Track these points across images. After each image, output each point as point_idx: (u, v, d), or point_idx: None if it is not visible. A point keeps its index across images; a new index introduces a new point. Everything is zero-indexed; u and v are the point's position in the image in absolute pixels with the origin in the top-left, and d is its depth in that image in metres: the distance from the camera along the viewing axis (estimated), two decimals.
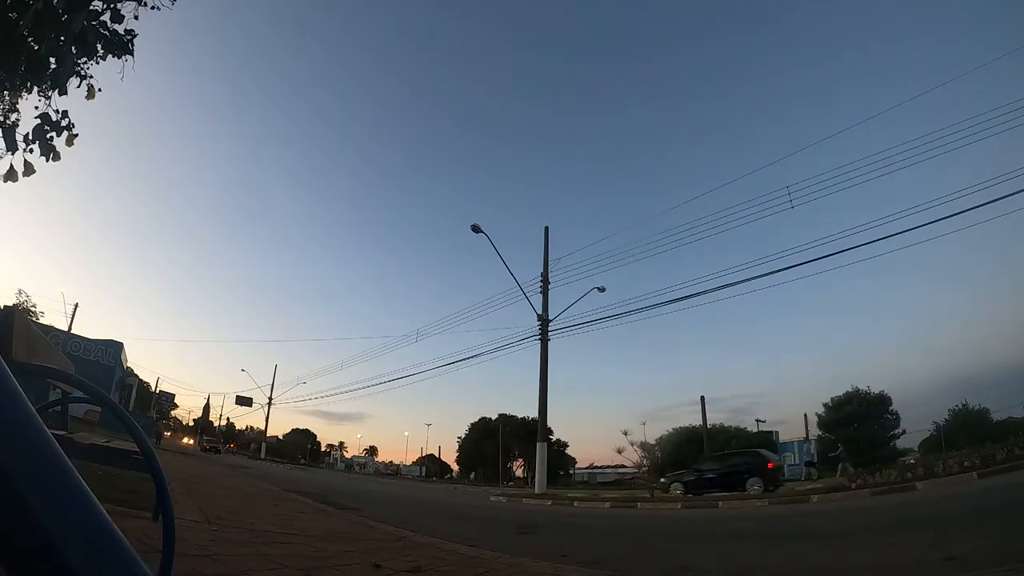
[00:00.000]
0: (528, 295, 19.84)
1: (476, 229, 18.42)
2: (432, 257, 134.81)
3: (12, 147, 3.72)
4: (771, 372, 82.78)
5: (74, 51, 3.63)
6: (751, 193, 48.86)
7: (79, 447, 2.23)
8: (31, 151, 3.76)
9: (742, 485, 14.71)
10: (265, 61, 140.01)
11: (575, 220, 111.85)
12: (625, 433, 17.17)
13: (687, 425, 42.13)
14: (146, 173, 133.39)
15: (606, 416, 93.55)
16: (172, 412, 63.26)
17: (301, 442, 75.78)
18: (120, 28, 3.84)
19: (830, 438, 34.14)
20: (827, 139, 43.19)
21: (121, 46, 3.83)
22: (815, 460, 28.56)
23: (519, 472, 56.36)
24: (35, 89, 3.75)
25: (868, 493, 10.11)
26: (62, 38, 3.50)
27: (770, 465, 15.10)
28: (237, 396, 49.64)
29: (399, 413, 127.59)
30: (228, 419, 68.50)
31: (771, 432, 44.71)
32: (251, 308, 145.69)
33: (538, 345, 19.19)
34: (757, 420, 45.26)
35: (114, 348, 30.91)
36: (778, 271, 14.83)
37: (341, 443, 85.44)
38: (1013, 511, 5.85)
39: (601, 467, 55.75)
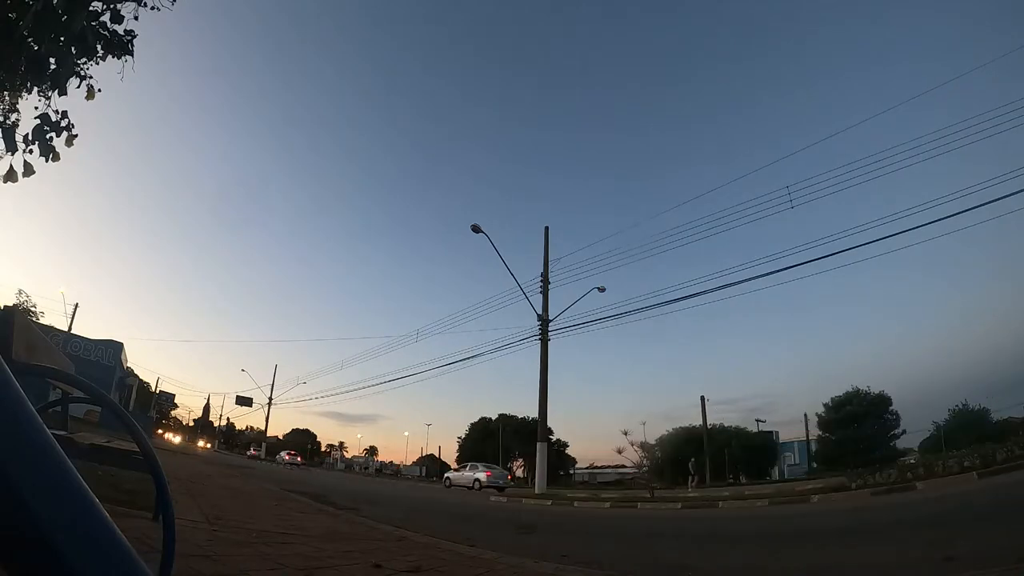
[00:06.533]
0: (528, 295, 19.87)
1: (476, 229, 18.41)
2: (433, 258, 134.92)
3: (12, 147, 3.72)
4: (777, 372, 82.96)
5: (74, 51, 3.63)
6: (752, 193, 48.95)
7: (79, 447, 2.23)
8: (31, 151, 3.76)
9: None
10: (266, 63, 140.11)
11: (575, 221, 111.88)
12: (625, 433, 17.10)
13: (688, 425, 42.16)
14: (146, 173, 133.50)
15: (606, 416, 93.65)
16: (172, 412, 63.28)
17: (301, 442, 75.72)
18: (120, 28, 3.84)
19: (830, 438, 34.08)
20: (829, 138, 43.24)
21: (121, 46, 3.84)
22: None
23: (519, 472, 56.32)
24: (35, 89, 3.75)
25: (868, 493, 10.11)
26: (62, 38, 3.50)
27: None
28: (237, 396, 49.73)
29: (401, 413, 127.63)
30: (228, 419, 68.57)
31: (771, 432, 44.74)
32: (251, 309, 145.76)
33: (538, 345, 19.20)
34: (757, 420, 45.29)
35: (114, 348, 30.91)
36: (778, 271, 14.86)
37: (341, 443, 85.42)
38: (1013, 511, 5.85)
39: (601, 467, 55.77)
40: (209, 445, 53.48)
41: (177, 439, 45.70)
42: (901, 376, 74.95)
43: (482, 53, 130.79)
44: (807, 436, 39.57)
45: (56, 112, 3.82)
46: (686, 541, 6.10)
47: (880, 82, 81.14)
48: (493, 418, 57.40)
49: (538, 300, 19.79)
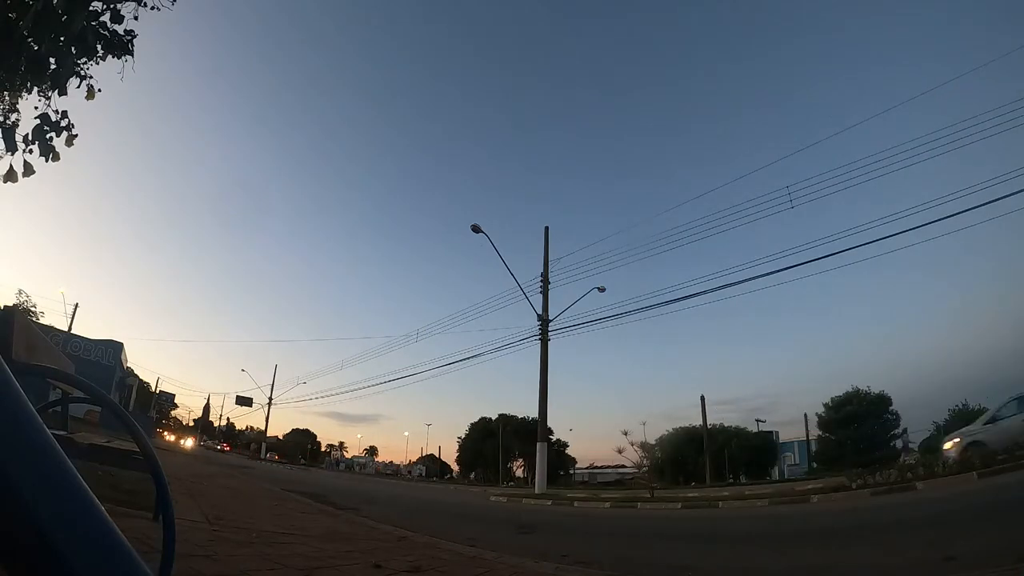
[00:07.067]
0: (528, 295, 19.86)
1: (476, 229, 18.40)
2: (433, 258, 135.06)
3: (12, 147, 3.72)
4: (777, 372, 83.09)
5: (74, 51, 3.63)
6: (752, 193, 48.96)
7: (79, 447, 2.23)
8: (31, 151, 3.76)
9: None
10: (266, 63, 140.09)
11: (575, 221, 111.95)
12: (625, 433, 17.07)
13: (688, 425, 42.16)
14: (146, 173, 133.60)
15: (606, 416, 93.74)
16: (172, 412, 63.24)
17: (301, 442, 75.72)
18: (120, 28, 3.84)
19: (830, 438, 34.09)
20: (829, 138, 43.27)
21: (121, 46, 3.84)
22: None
23: (519, 472, 56.29)
24: (35, 89, 3.75)
25: (868, 493, 10.10)
26: (62, 38, 3.50)
27: None
28: (237, 396, 49.75)
29: (401, 413, 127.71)
30: (228, 419, 68.60)
31: (771, 432, 44.77)
32: (251, 309, 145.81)
33: (538, 345, 19.20)
34: (757, 420, 45.30)
35: (114, 348, 30.90)
36: (778, 271, 14.87)
37: (341, 443, 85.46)
38: (1013, 511, 5.84)
39: (601, 467, 55.81)
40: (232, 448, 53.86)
41: (190, 443, 41.44)
42: (901, 376, 75.04)
43: (482, 53, 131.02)
44: (807, 436, 39.57)
45: (56, 112, 3.82)
46: (686, 541, 6.10)
47: (880, 82, 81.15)
48: (493, 418, 57.36)
49: (538, 300, 19.81)
